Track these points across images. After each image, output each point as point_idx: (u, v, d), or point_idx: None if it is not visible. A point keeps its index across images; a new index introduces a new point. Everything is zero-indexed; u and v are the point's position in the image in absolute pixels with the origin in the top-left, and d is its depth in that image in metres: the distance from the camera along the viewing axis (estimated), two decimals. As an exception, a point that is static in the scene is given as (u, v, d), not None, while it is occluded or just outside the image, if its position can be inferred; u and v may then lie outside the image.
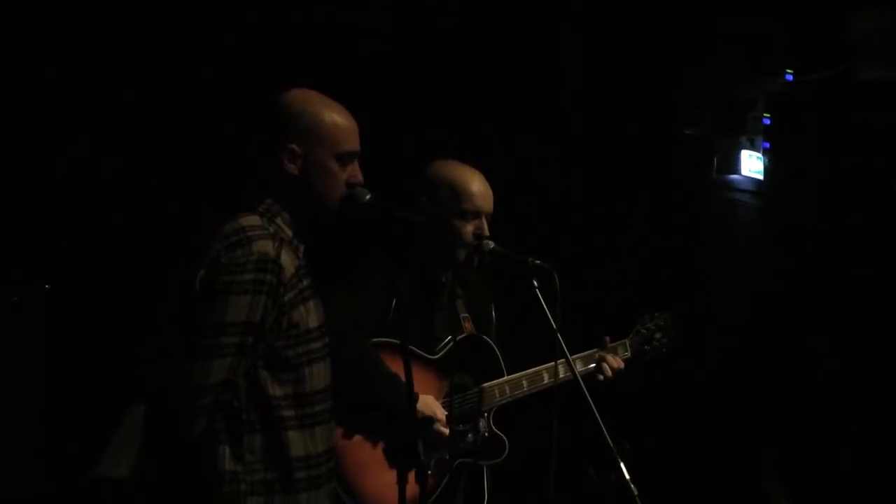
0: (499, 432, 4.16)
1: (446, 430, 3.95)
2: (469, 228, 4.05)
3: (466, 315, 4.25)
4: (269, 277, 3.16)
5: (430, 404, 3.95)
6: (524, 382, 4.19)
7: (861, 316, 6.41)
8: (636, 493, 3.59)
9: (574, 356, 4.19)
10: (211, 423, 3.14)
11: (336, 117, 3.33)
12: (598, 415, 3.71)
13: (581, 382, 3.81)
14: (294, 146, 3.28)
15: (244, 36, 5.64)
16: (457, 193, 4.05)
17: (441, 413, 3.95)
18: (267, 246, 3.17)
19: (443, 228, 4.04)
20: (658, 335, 4.56)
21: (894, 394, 6.06)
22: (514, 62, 6.15)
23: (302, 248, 3.34)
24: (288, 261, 3.22)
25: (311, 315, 3.30)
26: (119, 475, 4.88)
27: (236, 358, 3.12)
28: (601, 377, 4.29)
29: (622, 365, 4.36)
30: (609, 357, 4.33)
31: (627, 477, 3.61)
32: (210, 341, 3.10)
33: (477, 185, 4.08)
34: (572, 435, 3.87)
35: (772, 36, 6.36)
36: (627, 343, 4.48)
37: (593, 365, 4.31)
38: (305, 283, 3.29)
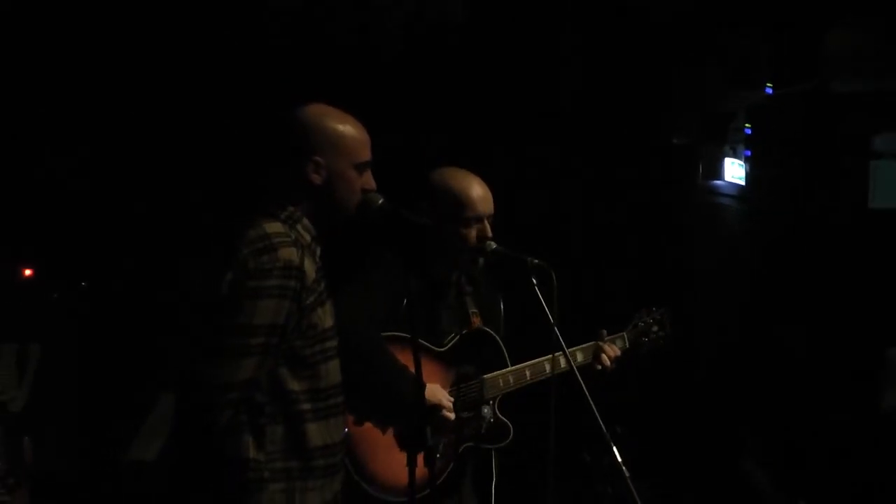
0: (503, 419, 4.17)
1: (452, 416, 3.98)
2: (472, 233, 4.07)
3: (475, 310, 4.26)
4: (293, 283, 3.18)
5: (437, 393, 3.98)
6: (527, 373, 4.20)
7: (833, 308, 6.50)
8: (627, 474, 3.60)
9: (573, 348, 4.23)
10: (235, 416, 3.16)
11: (353, 130, 3.37)
12: (592, 403, 3.70)
13: (577, 373, 3.79)
14: (318, 158, 3.31)
15: (259, 52, 5.70)
16: (459, 201, 4.06)
17: (447, 401, 3.98)
18: (292, 253, 3.19)
19: (448, 233, 4.06)
20: (655, 328, 4.57)
21: (862, 379, 6.12)
22: (516, 80, 6.16)
23: (318, 252, 3.35)
24: (310, 267, 3.25)
25: (326, 316, 3.33)
26: (148, 459, 4.93)
27: (262, 357, 3.15)
28: (599, 367, 4.31)
29: (618, 352, 4.38)
30: (605, 346, 4.35)
31: (619, 460, 3.62)
32: (238, 341, 3.12)
33: (476, 191, 4.10)
34: (570, 422, 3.86)
35: (753, 52, 6.41)
36: (625, 335, 4.49)
37: (592, 356, 4.34)
38: (322, 285, 3.31)
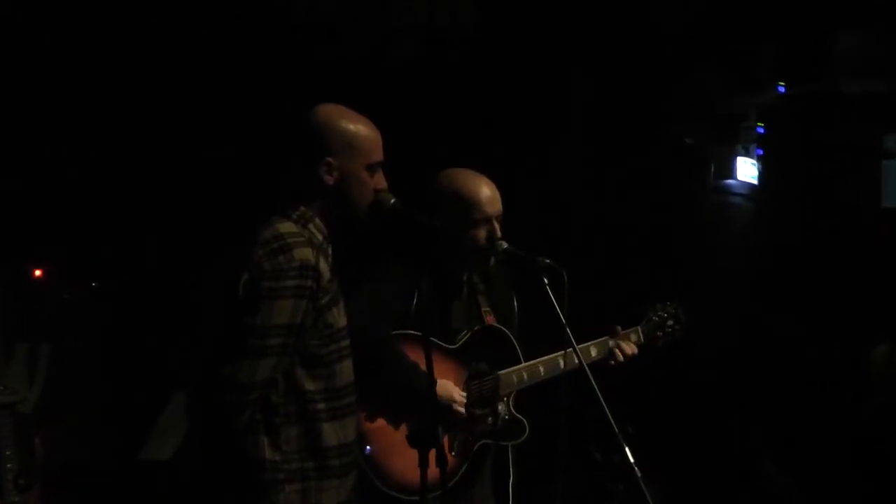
0: (518, 415, 4.17)
1: (464, 412, 3.98)
2: (482, 234, 4.06)
3: (488, 308, 4.25)
4: (309, 283, 3.19)
5: (449, 388, 3.98)
6: (541, 369, 4.18)
7: (840, 305, 6.51)
8: (640, 474, 3.57)
9: (587, 343, 4.25)
10: (251, 416, 3.19)
11: (366, 131, 3.38)
12: (603, 402, 3.67)
13: (587, 371, 3.76)
14: (331, 159, 3.32)
15: (275, 57, 5.73)
16: (466, 204, 4.05)
17: (459, 396, 3.99)
18: (307, 253, 3.20)
19: (458, 234, 4.04)
20: (670, 322, 4.55)
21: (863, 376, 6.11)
22: (528, 81, 6.23)
23: (330, 251, 3.36)
24: (325, 266, 3.26)
25: (340, 315, 3.36)
26: (162, 458, 4.94)
27: (279, 357, 3.18)
28: (612, 362, 4.31)
29: (636, 351, 4.38)
30: (623, 344, 4.35)
31: (631, 460, 3.59)
32: (257, 342, 3.14)
33: (484, 192, 4.08)
34: (581, 420, 3.83)
35: (764, 53, 6.50)
36: (640, 330, 4.47)
37: (606, 351, 4.33)
38: (336, 285, 3.34)
